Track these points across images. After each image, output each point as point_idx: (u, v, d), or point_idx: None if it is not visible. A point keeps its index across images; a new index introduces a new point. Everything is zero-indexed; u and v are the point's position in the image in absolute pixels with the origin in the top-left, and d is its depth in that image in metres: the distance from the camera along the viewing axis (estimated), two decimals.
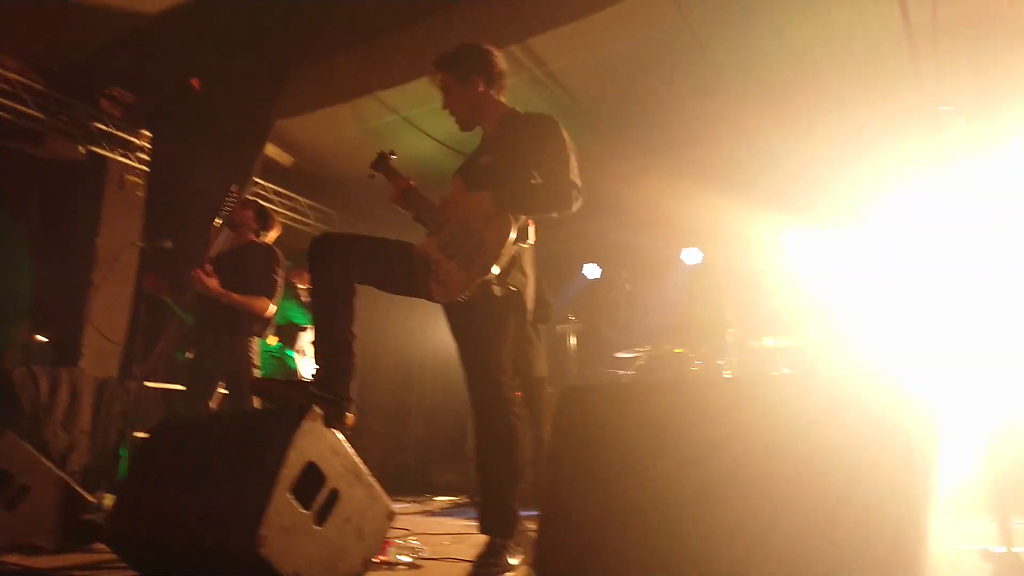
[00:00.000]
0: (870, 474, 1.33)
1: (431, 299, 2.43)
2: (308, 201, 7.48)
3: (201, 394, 3.70)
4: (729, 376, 4.92)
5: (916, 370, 4.56)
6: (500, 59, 2.66)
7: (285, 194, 7.18)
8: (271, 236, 4.05)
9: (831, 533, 1.30)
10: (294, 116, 5.57)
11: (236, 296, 3.65)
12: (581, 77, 5.54)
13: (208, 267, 3.60)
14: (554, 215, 2.39)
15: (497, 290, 2.31)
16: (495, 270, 2.28)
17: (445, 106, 2.65)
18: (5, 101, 5.14)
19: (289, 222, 7.25)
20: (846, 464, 1.35)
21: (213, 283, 3.59)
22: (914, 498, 1.27)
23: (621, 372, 5.71)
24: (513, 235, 2.29)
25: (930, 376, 4.39)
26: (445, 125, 5.90)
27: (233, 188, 3.99)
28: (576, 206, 2.39)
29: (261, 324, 3.81)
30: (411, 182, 2.61)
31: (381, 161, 2.67)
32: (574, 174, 2.41)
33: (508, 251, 2.30)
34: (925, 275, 4.93)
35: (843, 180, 5.98)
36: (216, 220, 3.82)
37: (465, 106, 2.62)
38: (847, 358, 5.15)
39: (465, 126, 2.67)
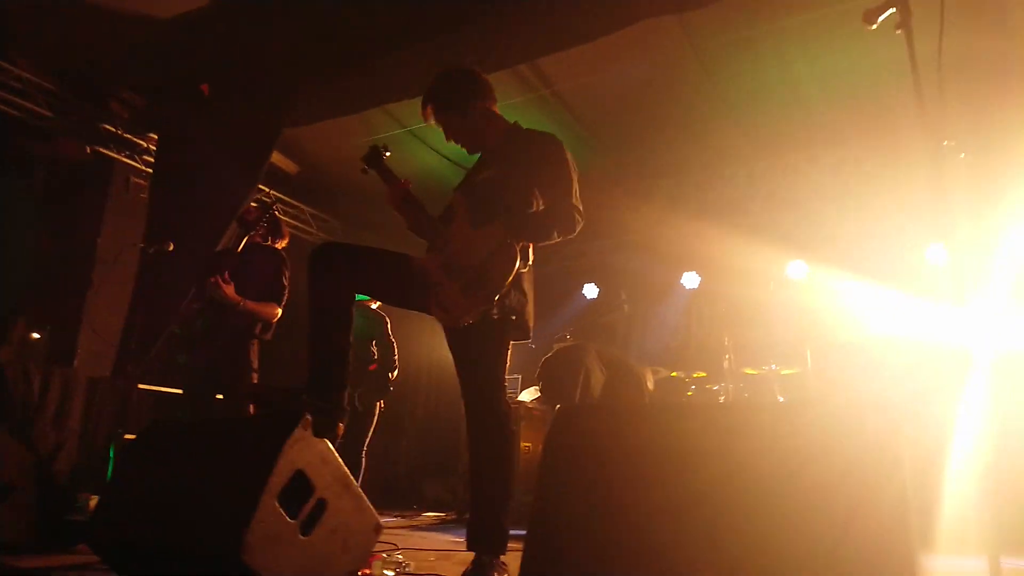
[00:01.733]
0: (865, 501, 1.32)
1: (431, 315, 2.43)
2: (311, 210, 7.50)
3: (201, 399, 3.69)
4: (723, 401, 4.90)
5: (914, 400, 4.55)
6: (487, 80, 2.67)
7: (288, 202, 7.19)
8: (279, 244, 4.07)
9: (823, 559, 1.29)
10: (303, 125, 5.60)
11: (251, 304, 3.67)
12: (587, 99, 5.58)
13: (227, 274, 3.61)
14: (557, 239, 2.41)
15: (495, 312, 2.32)
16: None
17: (449, 139, 2.66)
18: (16, 99, 5.17)
19: (292, 230, 7.26)
20: (841, 491, 1.35)
21: (230, 290, 3.60)
22: (908, 528, 1.26)
23: None
24: (518, 264, 2.29)
25: (927, 406, 4.39)
26: None
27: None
28: (578, 229, 2.41)
29: (265, 328, 3.83)
30: (408, 184, 2.56)
31: (375, 157, 2.59)
32: (576, 197, 2.43)
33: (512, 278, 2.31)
34: (922, 307, 4.95)
35: (843, 212, 6.01)
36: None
37: (471, 134, 2.64)
38: (845, 387, 5.13)
39: (474, 150, 2.70)
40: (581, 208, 2.42)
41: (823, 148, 6.06)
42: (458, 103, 2.59)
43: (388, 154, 2.61)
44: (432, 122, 2.64)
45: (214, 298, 3.60)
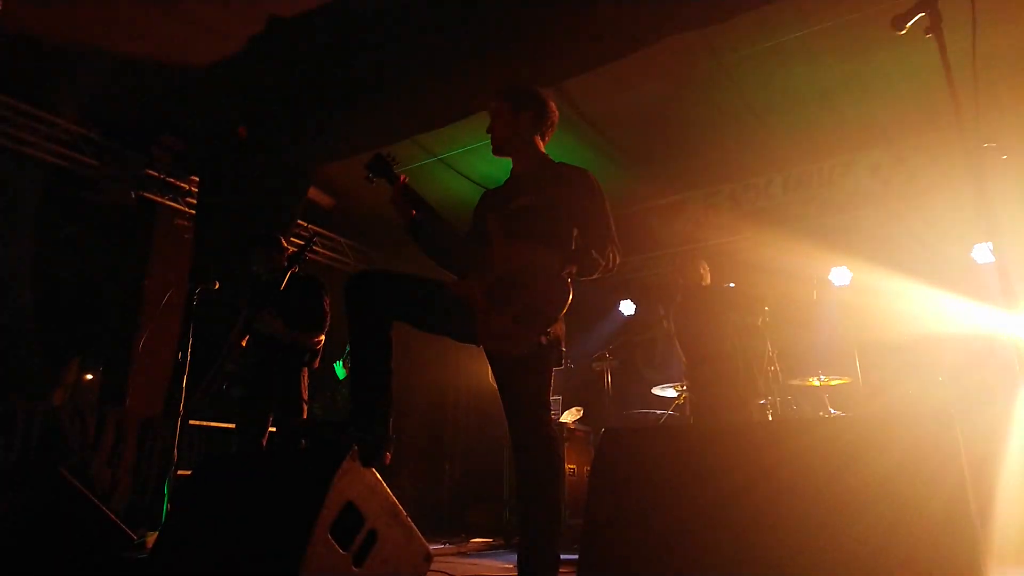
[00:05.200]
0: (920, 516, 1.28)
1: (472, 343, 2.44)
2: (347, 241, 7.63)
3: (255, 433, 3.77)
4: (770, 418, 4.79)
5: (966, 402, 4.40)
6: (555, 111, 2.73)
7: (325, 234, 7.33)
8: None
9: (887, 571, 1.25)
10: (336, 161, 5.73)
11: (297, 334, 3.77)
12: (613, 117, 5.59)
13: (273, 307, 3.72)
14: (598, 276, 2.45)
15: (544, 339, 2.32)
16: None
17: (490, 129, 2.69)
18: (63, 150, 5.40)
19: (329, 262, 7.40)
20: (895, 506, 1.31)
21: (278, 323, 3.73)
22: (970, 542, 1.22)
23: (659, 412, 5.60)
24: (571, 297, 2.31)
25: (980, 407, 4.24)
26: (480, 166, 6.04)
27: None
28: (615, 265, 2.46)
29: (312, 356, 3.90)
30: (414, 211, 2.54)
31: (382, 165, 2.57)
32: (614, 233, 2.47)
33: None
34: (971, 307, 4.81)
35: (885, 213, 5.89)
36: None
37: (505, 133, 2.66)
38: (896, 393, 4.99)
39: (497, 151, 2.71)
40: (618, 244, 2.47)
41: (860, 150, 5.97)
42: (517, 102, 2.66)
43: (397, 164, 2.59)
44: (493, 106, 2.69)
45: (262, 331, 3.69)
